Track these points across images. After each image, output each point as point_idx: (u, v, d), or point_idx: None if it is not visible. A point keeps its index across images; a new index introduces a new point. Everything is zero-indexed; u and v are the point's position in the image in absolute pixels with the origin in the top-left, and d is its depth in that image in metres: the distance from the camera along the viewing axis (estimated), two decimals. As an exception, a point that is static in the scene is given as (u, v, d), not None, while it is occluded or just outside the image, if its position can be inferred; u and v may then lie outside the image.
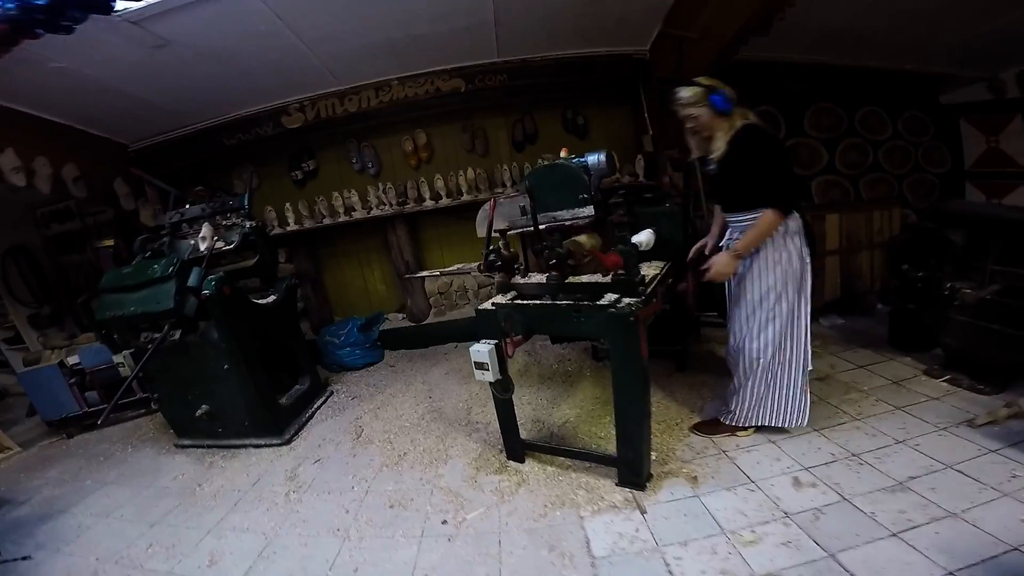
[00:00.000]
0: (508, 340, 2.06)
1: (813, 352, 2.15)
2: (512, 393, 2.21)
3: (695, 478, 2.07)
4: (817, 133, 4.34)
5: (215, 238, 2.89)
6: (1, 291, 4.39)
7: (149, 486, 2.68)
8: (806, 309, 2.06)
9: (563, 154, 2.20)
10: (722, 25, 2.92)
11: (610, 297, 1.84)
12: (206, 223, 2.96)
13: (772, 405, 2.20)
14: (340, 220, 4.01)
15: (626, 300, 1.80)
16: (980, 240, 2.31)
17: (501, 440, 2.39)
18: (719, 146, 1.97)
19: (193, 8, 2.41)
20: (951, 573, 1.43)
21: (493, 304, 2.12)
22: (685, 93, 2.00)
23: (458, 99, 3.66)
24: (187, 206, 3.11)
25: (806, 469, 2.03)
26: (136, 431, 3.44)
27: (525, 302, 2.06)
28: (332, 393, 3.54)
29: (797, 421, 2.18)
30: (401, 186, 4.00)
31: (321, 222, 4.02)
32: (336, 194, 4.05)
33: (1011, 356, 2.23)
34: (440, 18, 2.98)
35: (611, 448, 2.10)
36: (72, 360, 3.40)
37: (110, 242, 3.95)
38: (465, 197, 3.88)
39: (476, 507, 2.09)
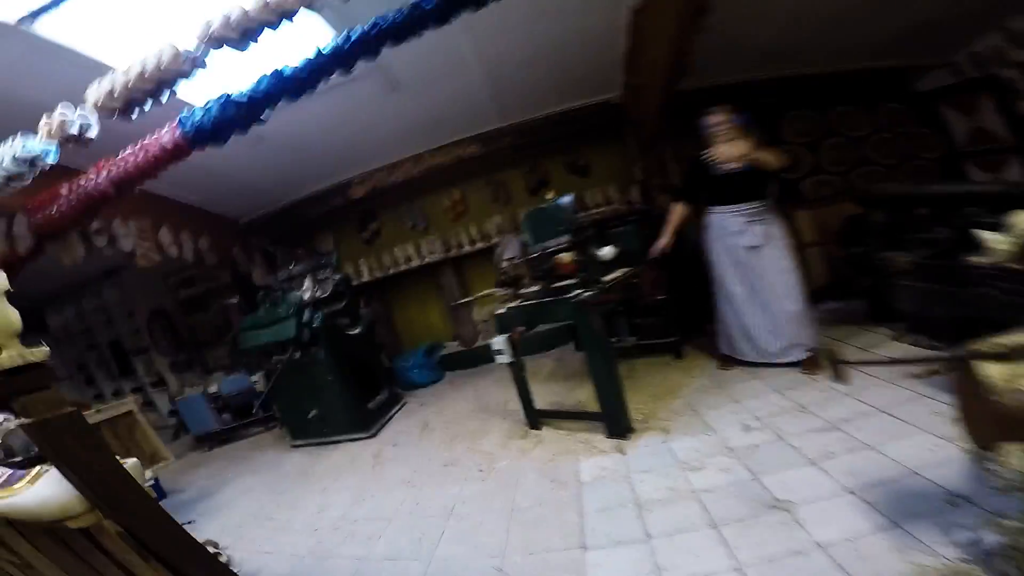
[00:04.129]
0: (515, 331, 2.85)
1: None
2: (524, 372, 2.98)
3: (667, 430, 2.67)
4: (796, 138, 4.82)
5: (316, 288, 3.98)
6: (149, 345, 5.80)
7: (274, 471, 3.66)
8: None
9: (548, 198, 3.05)
10: (652, 73, 3.65)
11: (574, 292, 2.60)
12: (308, 277, 4.06)
13: None
14: (401, 269, 5.06)
15: (584, 293, 2.54)
16: (900, 215, 2.77)
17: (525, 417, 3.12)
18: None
19: (280, 109, 3.47)
20: (852, 491, 1.81)
21: (504, 310, 2.94)
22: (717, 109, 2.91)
23: (477, 161, 4.62)
24: (292, 266, 4.26)
25: (757, 418, 2.55)
26: (259, 443, 4.50)
27: (524, 303, 2.85)
28: (405, 403, 4.46)
29: None
30: (444, 236, 5.00)
31: (387, 272, 5.10)
32: (396, 248, 5.11)
33: (951, 311, 2.55)
34: (450, 101, 3.94)
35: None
36: (212, 389, 4.58)
37: (234, 299, 5.20)
38: (495, 239, 4.75)
39: (503, 460, 2.83)
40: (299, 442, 3.99)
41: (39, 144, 1.63)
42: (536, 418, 3.07)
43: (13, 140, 1.66)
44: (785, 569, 1.56)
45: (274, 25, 1.62)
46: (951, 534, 1.48)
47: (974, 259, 1.92)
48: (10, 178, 1.65)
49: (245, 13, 1.56)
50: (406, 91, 3.56)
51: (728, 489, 2.06)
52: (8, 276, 1.10)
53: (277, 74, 1.80)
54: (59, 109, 1.65)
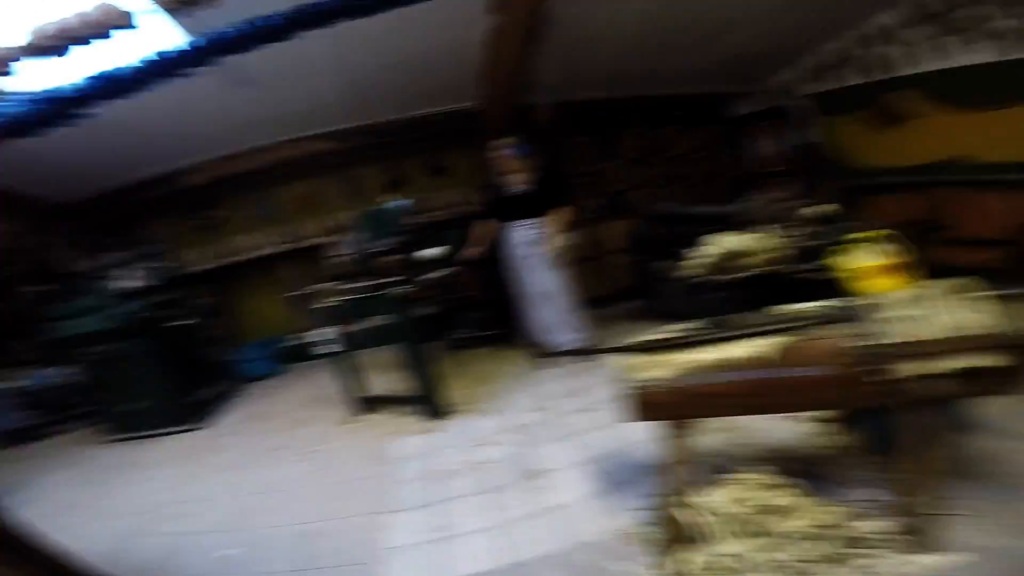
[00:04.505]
0: (342, 324, 3.05)
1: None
2: (352, 362, 3.21)
3: (477, 412, 3.08)
4: (630, 154, 5.56)
5: (139, 277, 3.78)
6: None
7: (93, 464, 3.47)
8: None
9: (384, 200, 3.28)
10: (501, 86, 4.09)
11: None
12: (131, 265, 3.84)
13: None
14: (242, 258, 4.93)
15: (397, 289, 2.82)
16: (667, 229, 3.45)
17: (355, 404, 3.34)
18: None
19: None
20: (589, 461, 2.29)
21: (329, 303, 3.11)
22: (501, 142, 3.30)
23: (331, 156, 4.67)
24: (114, 252, 3.97)
25: (543, 400, 3.06)
26: (78, 439, 4.05)
27: (350, 298, 3.05)
28: (241, 394, 4.43)
29: None
30: (292, 228, 4.96)
31: (227, 261, 4.93)
32: (240, 237, 4.94)
33: (686, 311, 3.27)
34: (305, 98, 3.97)
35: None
36: (23, 383, 4.14)
37: (39, 287, 4.62)
38: (341, 235, 4.77)
39: (329, 443, 3.06)
40: (122, 436, 3.80)
41: None
42: (365, 405, 3.30)
43: None
44: (532, 528, 1.97)
45: (99, 37, 1.65)
46: (641, 500, 1.91)
47: (684, 270, 2.49)
48: None
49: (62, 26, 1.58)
50: (257, 86, 3.52)
51: (507, 460, 2.50)
52: None
53: (104, 76, 1.81)
54: None
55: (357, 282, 3.16)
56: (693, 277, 2.46)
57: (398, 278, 2.89)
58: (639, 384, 1.55)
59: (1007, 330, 1.26)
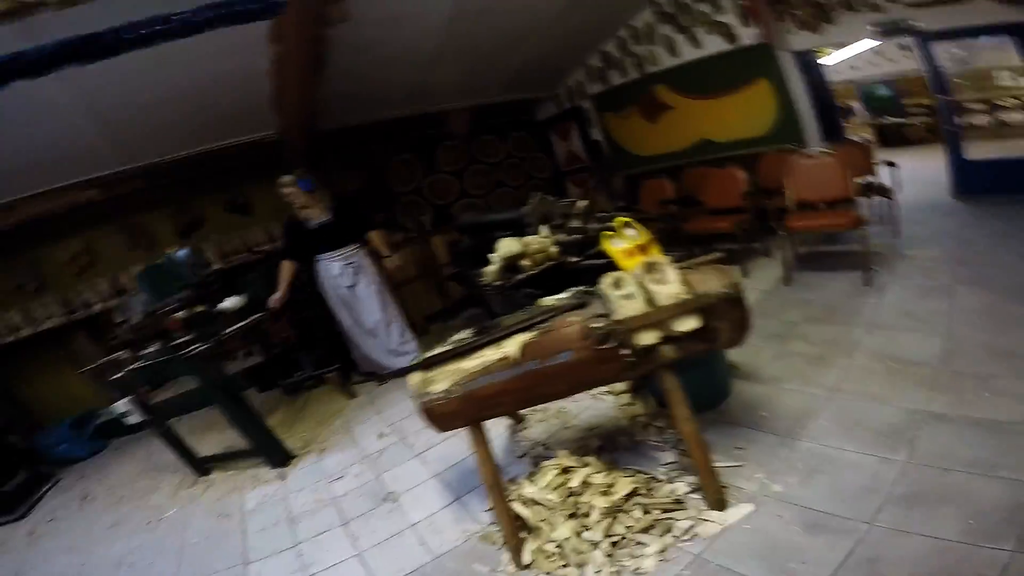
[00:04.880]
0: (140, 391, 2.70)
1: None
2: (163, 428, 2.88)
3: (323, 450, 2.97)
4: (449, 167, 5.76)
5: None
6: None
7: None
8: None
9: (168, 252, 2.92)
10: (294, 114, 4.00)
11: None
12: None
13: None
14: (8, 340, 4.01)
15: (197, 346, 2.58)
16: (477, 238, 3.66)
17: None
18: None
19: None
20: (436, 474, 2.37)
21: (122, 373, 2.73)
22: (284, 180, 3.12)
23: (101, 205, 4.02)
24: None
25: (389, 425, 3.04)
26: None
27: (145, 363, 2.70)
28: (59, 479, 3.79)
29: None
30: (65, 295, 4.16)
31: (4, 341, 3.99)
32: (10, 313, 4.02)
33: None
34: (50, 147, 3.35)
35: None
36: None
37: None
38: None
39: (172, 509, 2.79)
40: None
41: None
42: (202, 465, 3.03)
43: None
44: (391, 549, 1.99)
45: None
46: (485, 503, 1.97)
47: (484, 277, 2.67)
48: None
49: None
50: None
51: (359, 490, 2.48)
52: None
53: None
54: None
55: (149, 347, 2.82)
56: (491, 282, 2.64)
57: (192, 336, 2.63)
58: (422, 399, 1.65)
59: (696, 296, 1.52)
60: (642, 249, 2.22)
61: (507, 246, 2.49)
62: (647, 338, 1.54)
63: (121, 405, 2.80)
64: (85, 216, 4.07)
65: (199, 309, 2.74)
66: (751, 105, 4.49)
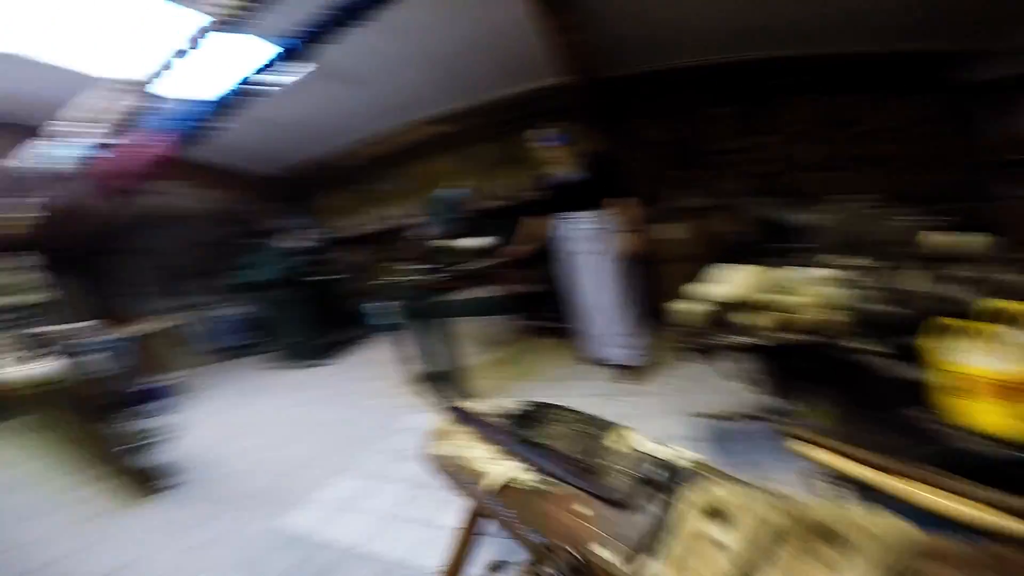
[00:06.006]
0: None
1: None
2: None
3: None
4: (798, 127, 4.38)
5: (299, 239, 4.79)
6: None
7: (249, 383, 4.67)
8: None
9: (441, 189, 3.45)
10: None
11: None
12: (295, 230, 4.85)
13: None
14: (387, 226, 5.63)
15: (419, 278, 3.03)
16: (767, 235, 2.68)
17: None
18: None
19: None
20: None
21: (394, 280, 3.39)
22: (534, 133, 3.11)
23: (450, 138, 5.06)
24: (286, 218, 5.07)
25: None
26: (245, 362, 5.54)
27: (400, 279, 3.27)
28: (368, 341, 5.19)
29: None
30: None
31: (371, 228, 5.81)
32: (390, 208, 5.68)
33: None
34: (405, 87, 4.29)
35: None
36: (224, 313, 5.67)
37: (241, 242, 5.71)
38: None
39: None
40: (277, 365, 4.99)
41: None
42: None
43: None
44: None
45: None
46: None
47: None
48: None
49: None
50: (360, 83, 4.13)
51: None
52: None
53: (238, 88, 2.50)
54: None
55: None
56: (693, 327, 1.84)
57: (426, 266, 3.04)
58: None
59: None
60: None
61: (732, 280, 1.64)
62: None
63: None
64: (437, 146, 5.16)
65: (436, 243, 3.09)
66: None
